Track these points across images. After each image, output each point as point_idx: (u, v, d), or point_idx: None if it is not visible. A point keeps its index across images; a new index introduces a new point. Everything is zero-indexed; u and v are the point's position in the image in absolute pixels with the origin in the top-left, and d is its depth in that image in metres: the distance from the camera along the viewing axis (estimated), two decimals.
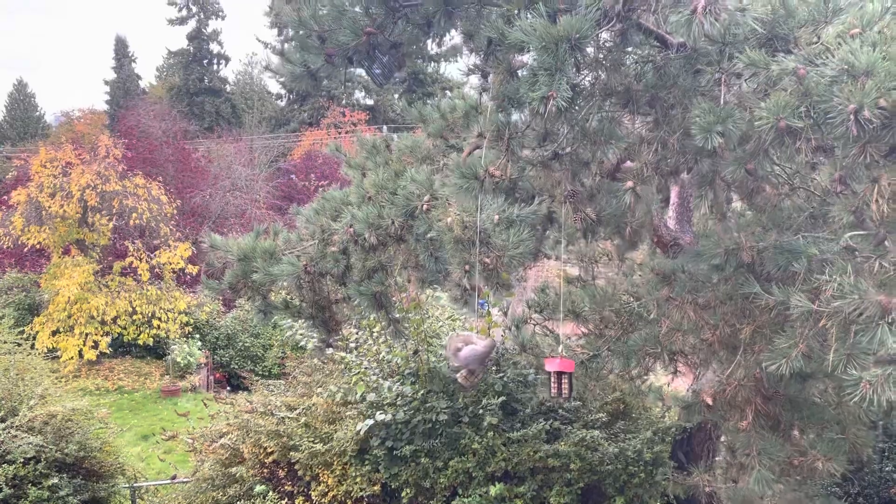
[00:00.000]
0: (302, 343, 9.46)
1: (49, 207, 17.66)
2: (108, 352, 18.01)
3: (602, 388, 8.34)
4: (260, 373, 19.08)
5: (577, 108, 3.26)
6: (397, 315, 5.77)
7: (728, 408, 3.81)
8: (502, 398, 8.02)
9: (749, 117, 3.14)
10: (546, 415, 8.39)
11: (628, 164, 3.39)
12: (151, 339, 18.31)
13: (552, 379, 4.10)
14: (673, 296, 3.72)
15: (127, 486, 8.68)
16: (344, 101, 46.91)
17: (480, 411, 8.06)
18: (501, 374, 8.30)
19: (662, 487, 7.85)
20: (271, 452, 8.15)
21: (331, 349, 7.62)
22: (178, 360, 18.64)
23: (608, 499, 8.02)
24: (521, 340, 5.05)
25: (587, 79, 3.26)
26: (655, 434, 8.28)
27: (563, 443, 8.15)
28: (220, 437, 8.32)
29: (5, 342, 7.68)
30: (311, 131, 42.23)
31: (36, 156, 19.04)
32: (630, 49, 3.35)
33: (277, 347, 19.30)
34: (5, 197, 20.08)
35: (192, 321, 19.42)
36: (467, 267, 4.77)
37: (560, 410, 8.46)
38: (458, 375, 4.08)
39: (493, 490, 7.87)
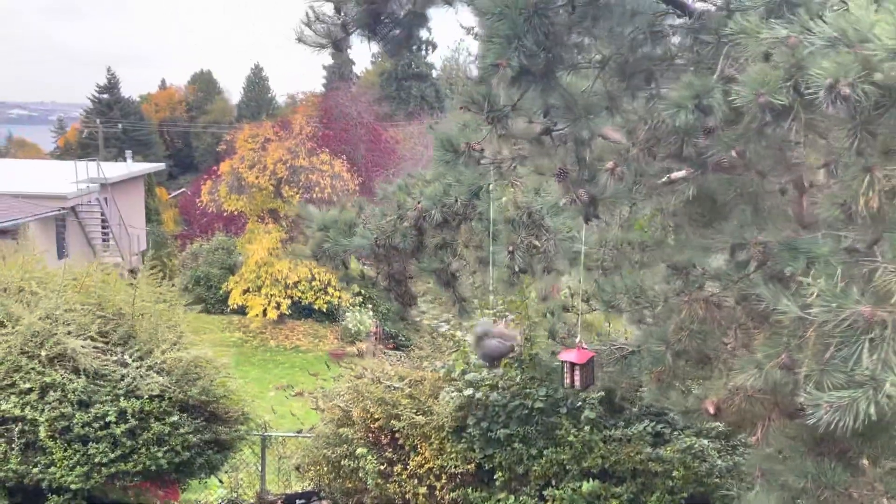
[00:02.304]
0: (431, 323, 9.70)
1: (247, 178, 19.53)
2: (288, 313, 19.63)
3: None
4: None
5: (553, 78, 3.07)
6: (465, 294, 5.76)
7: (738, 420, 3.39)
8: (602, 393, 7.69)
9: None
10: (656, 416, 7.93)
11: (615, 141, 3.12)
12: (326, 306, 19.68)
13: (565, 369, 3.92)
14: (684, 291, 3.36)
15: (258, 433, 9.52)
16: None
17: (580, 404, 7.80)
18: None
19: None
20: (377, 419, 8.48)
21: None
22: (350, 326, 19.87)
23: None
24: (552, 328, 4.84)
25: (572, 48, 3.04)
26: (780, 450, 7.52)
27: (668, 448, 7.68)
28: (334, 398, 8.82)
29: (161, 294, 8.67)
30: None
31: (241, 130, 21.09)
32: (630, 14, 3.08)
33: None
34: (215, 167, 22.49)
35: (364, 292, 20.58)
36: (511, 247, 4.68)
37: (671, 414, 7.96)
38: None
39: (586, 486, 7.61)
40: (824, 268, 2.63)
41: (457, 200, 5.46)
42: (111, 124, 59.07)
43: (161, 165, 39.72)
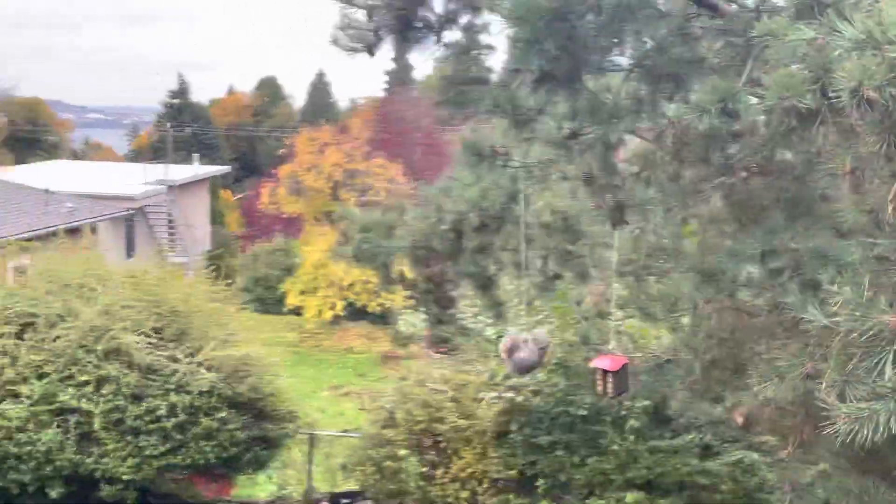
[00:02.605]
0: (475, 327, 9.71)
1: (305, 181, 19.90)
2: (342, 314, 19.89)
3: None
4: None
5: (578, 82, 3.05)
6: (501, 298, 5.74)
7: (769, 431, 3.27)
8: (647, 402, 7.54)
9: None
10: (703, 428, 7.73)
11: (642, 147, 3.06)
12: (379, 308, 19.86)
13: (597, 376, 3.88)
14: (714, 298, 3.27)
15: (305, 432, 9.68)
16: None
17: (624, 413, 7.67)
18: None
19: None
20: (420, 421, 8.52)
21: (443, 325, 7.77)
22: (402, 329, 20.00)
23: None
24: (585, 334, 4.77)
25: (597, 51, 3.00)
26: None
27: (716, 461, 7.48)
28: (377, 400, 8.90)
29: (215, 293, 8.91)
30: None
31: (299, 135, 21.51)
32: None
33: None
34: (276, 171, 22.99)
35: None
36: (544, 252, 4.65)
37: (721, 426, 7.75)
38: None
39: (630, 497, 7.48)
40: (852, 276, 2.54)
41: (493, 203, 5.45)
42: (181, 128, 61.03)
43: (226, 168, 40.71)
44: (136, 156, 60.82)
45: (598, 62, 3.02)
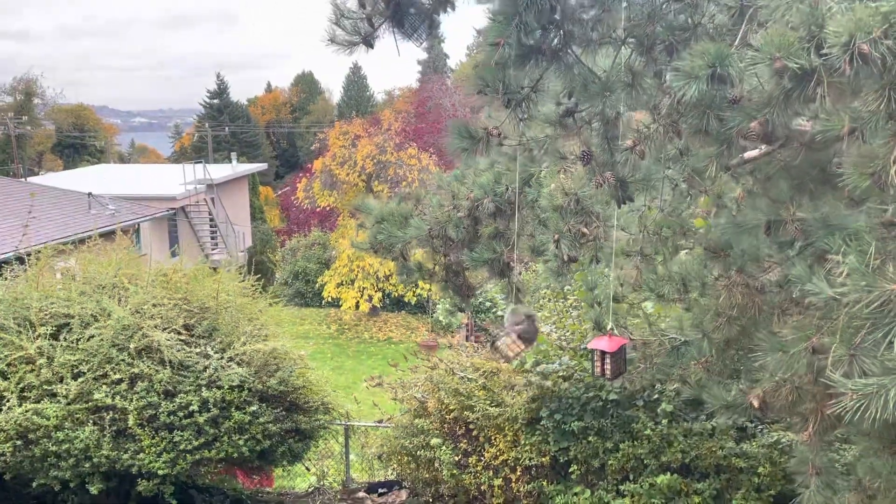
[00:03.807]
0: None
1: (338, 174, 20.00)
2: (379, 306, 19.98)
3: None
4: None
5: (566, 56, 2.94)
6: (519, 284, 5.66)
7: (787, 413, 3.13)
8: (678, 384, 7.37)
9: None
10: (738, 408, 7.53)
11: (636, 119, 2.94)
12: (416, 298, 19.90)
13: (595, 357, 3.79)
14: (722, 275, 3.13)
15: (340, 423, 9.74)
16: None
17: (656, 396, 7.52)
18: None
19: None
20: (452, 410, 8.49)
21: (461, 313, 7.71)
22: (441, 318, 20.01)
23: None
24: (597, 318, 4.65)
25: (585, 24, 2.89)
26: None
27: (753, 443, 7.29)
28: (409, 389, 8.89)
29: (245, 288, 9.00)
30: None
31: (332, 129, 21.61)
32: None
33: None
34: (310, 165, 23.15)
35: None
36: (556, 235, 4.56)
37: (737, 410, 7.53)
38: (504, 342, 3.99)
39: (663, 479, 7.34)
40: (857, 244, 2.40)
41: (507, 188, 5.36)
42: (221, 128, 61.94)
43: (263, 165, 41.29)
44: (179, 157, 62.10)
45: (585, 35, 2.91)
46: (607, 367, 3.72)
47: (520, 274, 6.02)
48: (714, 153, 2.61)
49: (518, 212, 5.46)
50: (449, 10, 3.78)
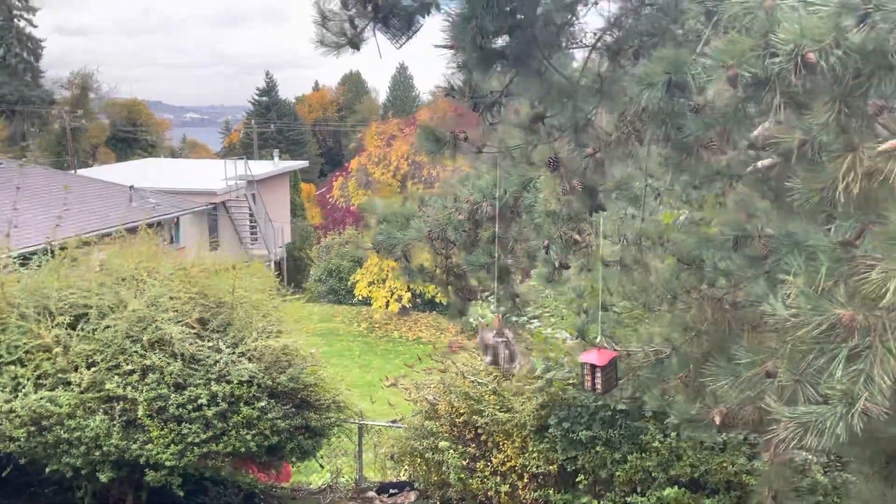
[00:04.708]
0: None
1: (374, 174, 20.10)
2: (409, 305, 20.02)
3: None
4: None
5: (532, 61, 2.88)
6: (517, 289, 5.59)
7: (753, 431, 3.00)
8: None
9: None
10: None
11: (601, 128, 2.85)
12: (445, 298, 19.84)
13: (586, 371, 3.70)
14: (695, 287, 3.01)
15: (354, 421, 9.78)
16: None
17: (667, 408, 7.34)
18: None
19: None
20: (462, 413, 8.45)
21: (464, 316, 7.62)
22: (471, 320, 19.91)
23: None
24: (581, 328, 4.54)
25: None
26: None
27: (766, 460, 7.07)
28: (421, 390, 8.88)
29: (262, 285, 9.09)
30: None
31: (369, 129, 21.74)
32: None
33: None
34: (346, 164, 23.33)
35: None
36: (546, 241, 4.49)
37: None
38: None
39: (669, 493, 7.17)
40: (809, 264, 2.29)
41: (506, 192, 5.29)
42: (267, 125, 62.88)
43: (304, 163, 41.69)
44: (228, 153, 63.26)
45: (550, 40, 2.84)
46: (598, 381, 3.64)
47: (521, 281, 5.94)
48: (674, 162, 2.51)
49: (516, 216, 5.39)
50: (433, 11, 3.74)
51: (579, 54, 2.95)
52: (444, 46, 2.57)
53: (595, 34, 2.89)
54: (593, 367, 3.69)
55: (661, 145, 2.65)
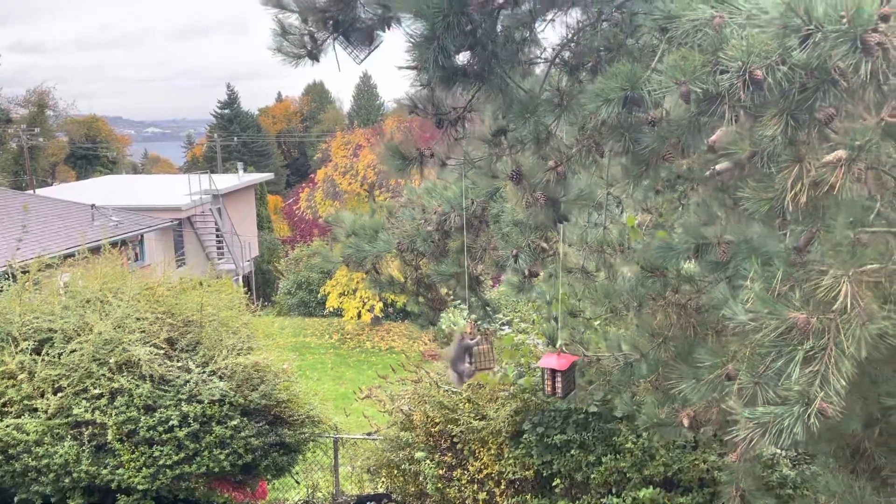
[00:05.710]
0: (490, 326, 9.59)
1: (341, 184, 20.05)
2: (381, 315, 19.97)
3: None
4: None
5: (494, 77, 2.92)
6: (487, 298, 5.63)
7: (720, 432, 3.08)
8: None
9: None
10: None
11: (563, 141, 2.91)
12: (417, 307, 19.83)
13: (546, 376, 3.76)
14: (658, 294, 3.08)
15: (329, 435, 9.74)
16: None
17: (635, 408, 7.44)
18: None
19: None
20: (437, 423, 8.46)
21: (431, 325, 7.65)
22: (443, 327, 19.95)
23: None
24: (550, 333, 4.61)
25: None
26: None
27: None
28: (396, 401, 8.86)
29: (230, 301, 9.01)
30: None
31: (334, 139, 21.69)
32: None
33: None
34: (312, 175, 23.23)
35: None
36: (515, 250, 4.53)
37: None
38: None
39: (644, 493, 7.26)
40: (765, 269, 2.37)
41: (473, 202, 5.34)
42: (231, 138, 62.29)
43: (269, 175, 41.43)
44: (191, 167, 62.51)
45: (510, 56, 2.89)
46: (558, 385, 3.69)
47: (492, 286, 5.97)
48: (633, 174, 2.58)
49: (484, 226, 5.43)
50: (394, 25, 3.77)
51: (540, 69, 3.00)
52: (408, 68, 2.61)
53: (554, 49, 2.95)
54: (553, 371, 3.74)
55: (621, 157, 2.71)
